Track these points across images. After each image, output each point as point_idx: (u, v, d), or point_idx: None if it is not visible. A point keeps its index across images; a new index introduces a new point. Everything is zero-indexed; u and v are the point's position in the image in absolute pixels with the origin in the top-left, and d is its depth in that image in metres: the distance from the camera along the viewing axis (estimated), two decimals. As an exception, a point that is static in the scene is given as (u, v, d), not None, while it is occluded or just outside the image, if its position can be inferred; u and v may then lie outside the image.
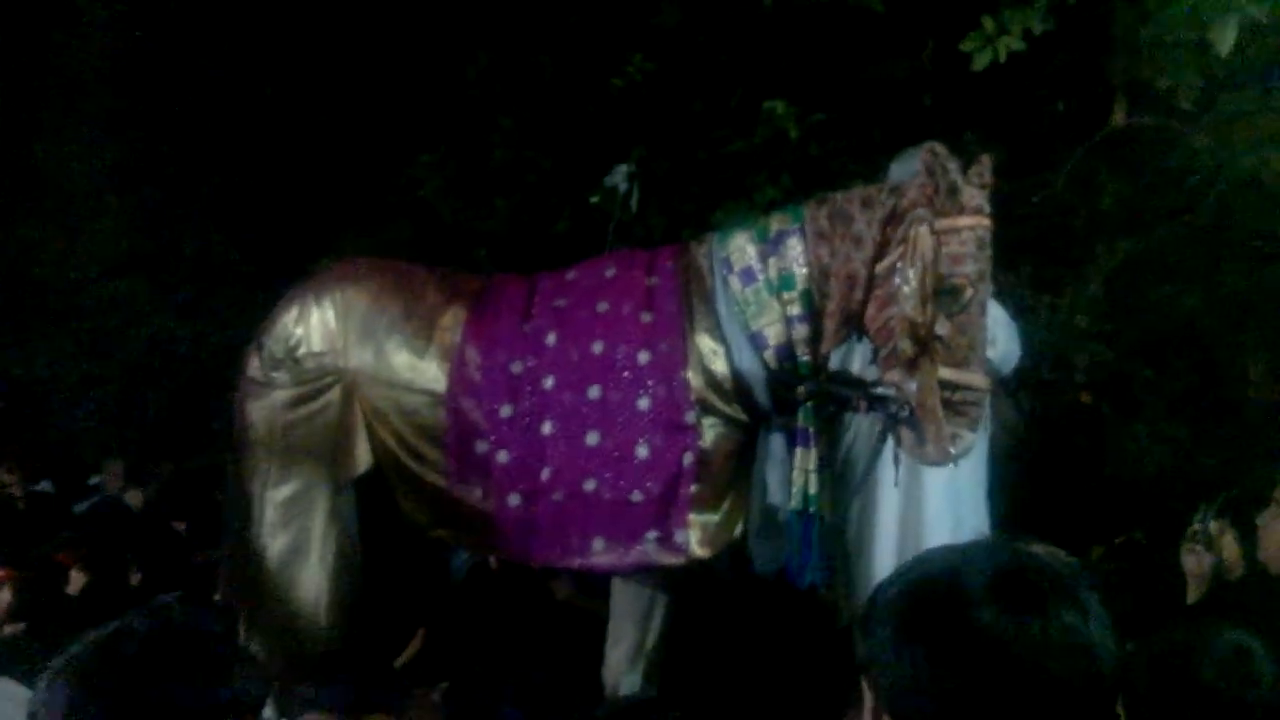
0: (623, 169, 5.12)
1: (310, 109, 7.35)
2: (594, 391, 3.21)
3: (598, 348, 3.25)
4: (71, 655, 1.56)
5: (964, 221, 2.89)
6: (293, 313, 3.38)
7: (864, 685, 1.32)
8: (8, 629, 3.72)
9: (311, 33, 7.14)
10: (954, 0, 4.53)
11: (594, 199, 5.39)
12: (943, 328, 2.85)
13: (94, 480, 6.06)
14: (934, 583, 1.26)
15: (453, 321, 3.39)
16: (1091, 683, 1.20)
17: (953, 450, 2.87)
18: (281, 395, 3.35)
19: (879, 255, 3.00)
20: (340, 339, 3.35)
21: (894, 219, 3.00)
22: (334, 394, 3.34)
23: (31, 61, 7.93)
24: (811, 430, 3.13)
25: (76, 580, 4.14)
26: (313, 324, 3.36)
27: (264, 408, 3.35)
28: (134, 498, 5.53)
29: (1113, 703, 1.24)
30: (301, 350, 3.35)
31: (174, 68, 7.75)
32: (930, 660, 1.20)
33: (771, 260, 3.16)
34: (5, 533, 4.79)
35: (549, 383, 3.26)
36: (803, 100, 5.21)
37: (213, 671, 1.65)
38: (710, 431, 3.18)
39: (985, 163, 2.97)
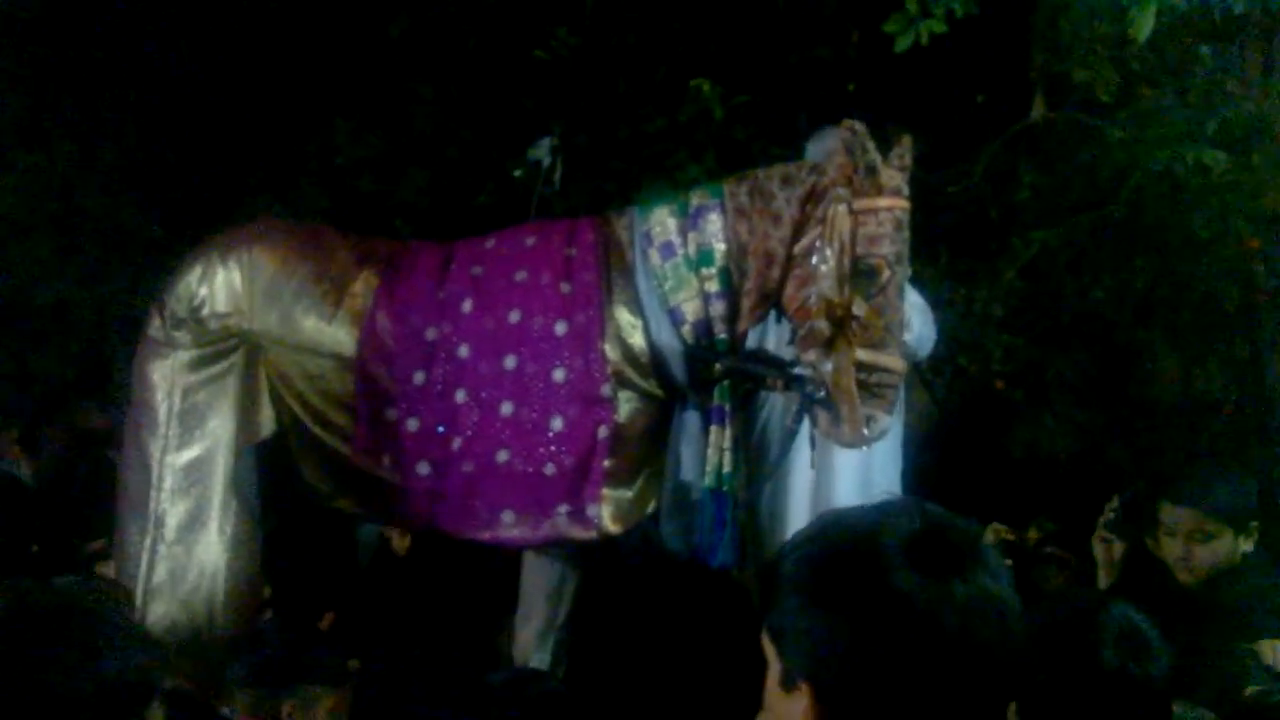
0: (546, 142, 5.06)
1: (223, 67, 7.12)
2: (510, 361, 3.16)
3: (514, 317, 3.20)
4: None
5: (882, 203, 2.89)
6: (197, 271, 3.27)
7: (771, 655, 1.29)
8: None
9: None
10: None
11: (516, 172, 5.33)
12: (859, 309, 2.86)
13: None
14: (848, 545, 1.24)
15: (365, 286, 3.30)
16: (1008, 645, 1.19)
17: (867, 433, 2.88)
18: (183, 356, 3.23)
19: (797, 234, 3.00)
20: (246, 300, 3.24)
21: (813, 197, 3.00)
22: (238, 356, 3.24)
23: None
24: (727, 408, 3.12)
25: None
26: (218, 283, 3.25)
27: (164, 368, 3.23)
28: (28, 466, 5.32)
29: (1021, 666, 1.23)
30: (205, 310, 3.23)
31: (82, 20, 7.45)
32: (851, 626, 1.18)
33: (691, 235, 3.14)
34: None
35: (464, 351, 3.20)
36: (728, 81, 5.21)
37: (91, 649, 1.60)
38: (626, 406, 3.15)
39: (905, 144, 2.98)
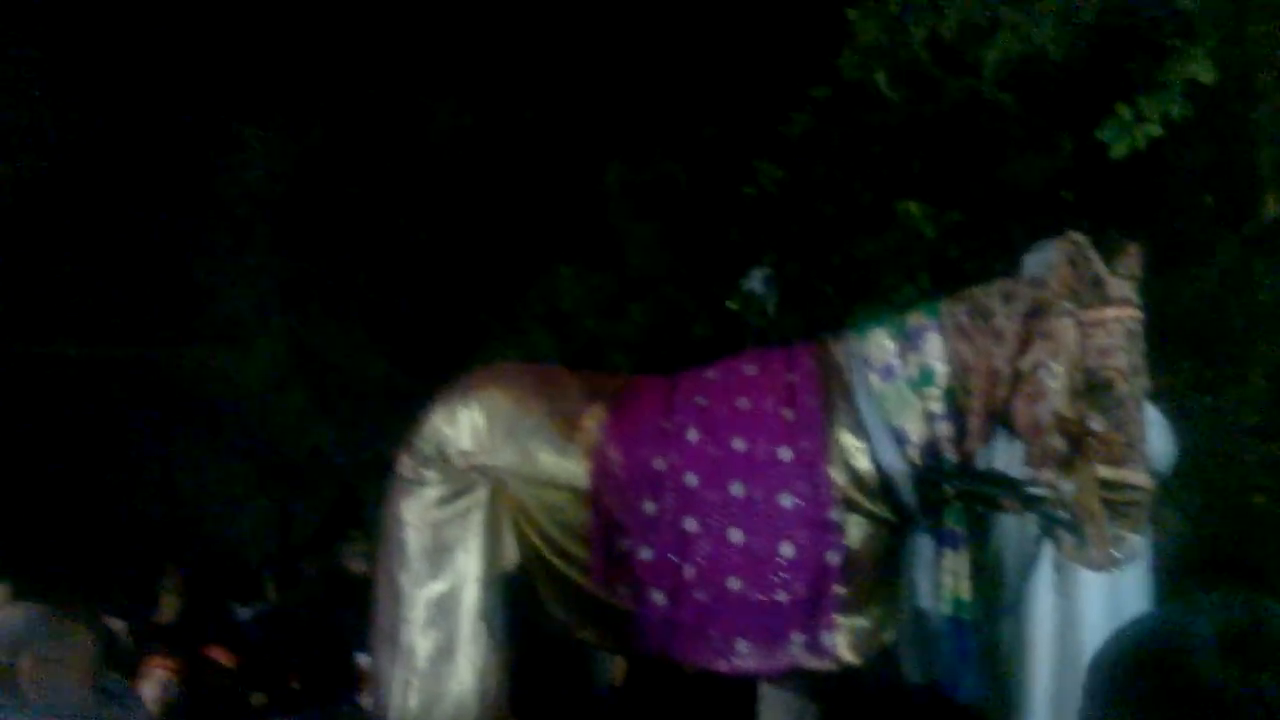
0: (759, 273, 5.16)
1: (453, 228, 7.69)
2: (736, 488, 3.20)
3: (739, 444, 3.25)
4: None
5: (1111, 313, 2.82)
6: (442, 413, 3.49)
7: None
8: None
9: (450, 152, 7.53)
10: (1087, 93, 4.49)
11: (731, 304, 5.45)
12: (1097, 424, 2.77)
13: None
14: (1159, 639, 1.21)
15: (594, 420, 3.44)
16: None
17: (1116, 554, 2.76)
18: (431, 493, 3.43)
19: (1022, 350, 2.95)
20: (487, 437, 3.43)
21: (1036, 312, 2.96)
22: (481, 492, 3.41)
23: (197, 189, 8.55)
24: (961, 531, 3.05)
25: (231, 678, 4.28)
26: (461, 424, 3.45)
27: (414, 505, 3.43)
28: (289, 600, 5.70)
29: None
30: (450, 449, 3.44)
31: (329, 192, 8.24)
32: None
33: (911, 356, 3.14)
34: (166, 635, 4.99)
35: (691, 479, 3.27)
36: (937, 200, 5.22)
37: None
38: (856, 530, 3.13)
39: (1132, 253, 2.91)
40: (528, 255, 7.02)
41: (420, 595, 3.36)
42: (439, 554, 3.38)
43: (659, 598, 3.23)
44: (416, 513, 3.43)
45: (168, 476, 8.52)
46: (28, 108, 8.89)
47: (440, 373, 4.20)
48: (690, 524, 3.24)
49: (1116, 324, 2.81)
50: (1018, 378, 2.95)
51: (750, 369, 3.46)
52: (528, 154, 7.34)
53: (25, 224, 8.75)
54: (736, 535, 3.18)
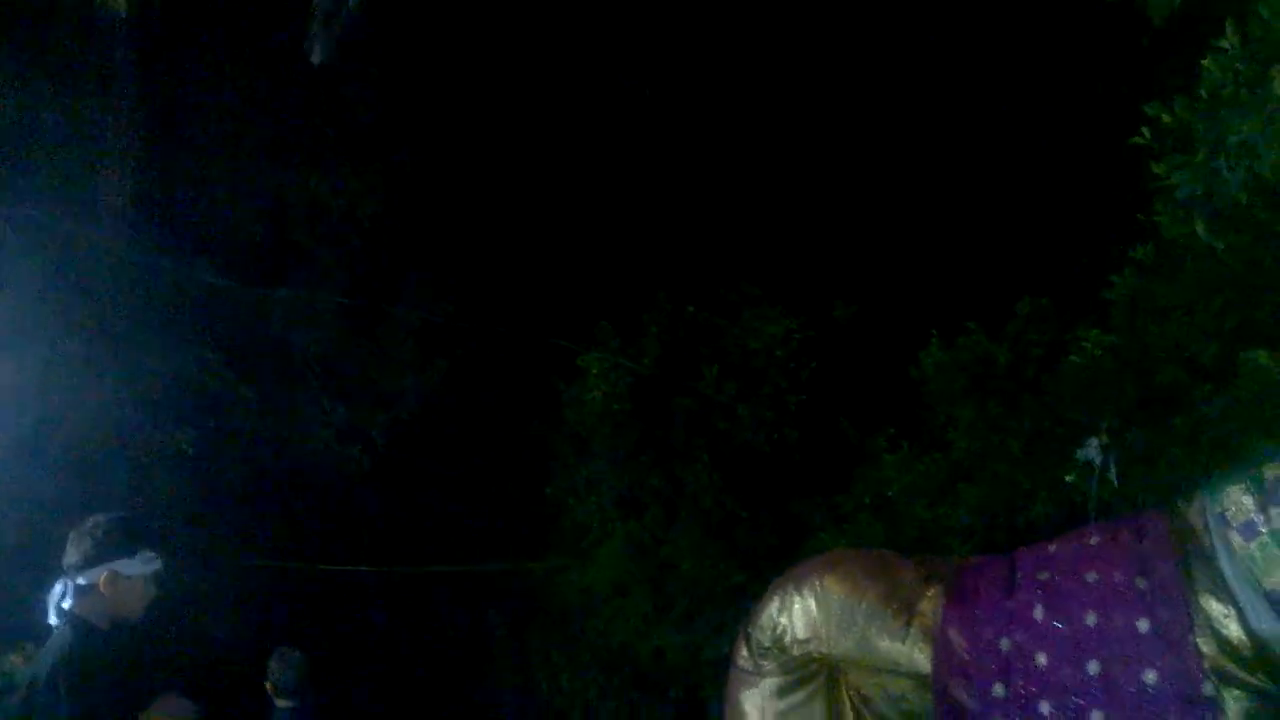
0: (1094, 441, 4.95)
1: (776, 426, 7.93)
2: (1093, 666, 3.02)
3: (1091, 619, 3.08)
4: None
5: None
6: (776, 602, 3.55)
7: None
8: None
9: (769, 355, 7.86)
10: None
11: (1068, 477, 5.22)
12: None
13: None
14: None
15: (932, 604, 3.37)
16: None
17: None
18: (770, 683, 3.46)
19: None
20: (823, 625, 3.44)
21: None
22: (820, 681, 3.41)
23: (547, 413, 9.39)
24: (1357, 699, 2.71)
25: None
26: (795, 612, 3.49)
27: (754, 696, 3.47)
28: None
29: None
30: (787, 638, 3.47)
31: (658, 406, 8.77)
32: None
33: (1274, 510, 2.90)
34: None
35: (1042, 659, 3.11)
36: (1287, 347, 4.83)
37: None
38: (1234, 705, 2.84)
39: None
40: (851, 447, 7.09)
41: (770, 785, 3.36)
42: (783, 744, 3.37)
43: (1017, 785, 3.05)
44: (756, 704, 3.47)
45: (528, 681, 9.05)
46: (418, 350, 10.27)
47: (774, 568, 4.29)
48: (1045, 707, 3.07)
49: None
50: (1399, 522, 2.65)
51: (1094, 540, 3.31)
52: (841, 348, 7.54)
53: (404, 468, 9.96)
54: (1098, 717, 2.98)
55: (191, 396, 9.26)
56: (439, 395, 10.20)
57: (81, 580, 3.53)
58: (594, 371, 9.00)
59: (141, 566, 3.61)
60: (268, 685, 5.39)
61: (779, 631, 3.51)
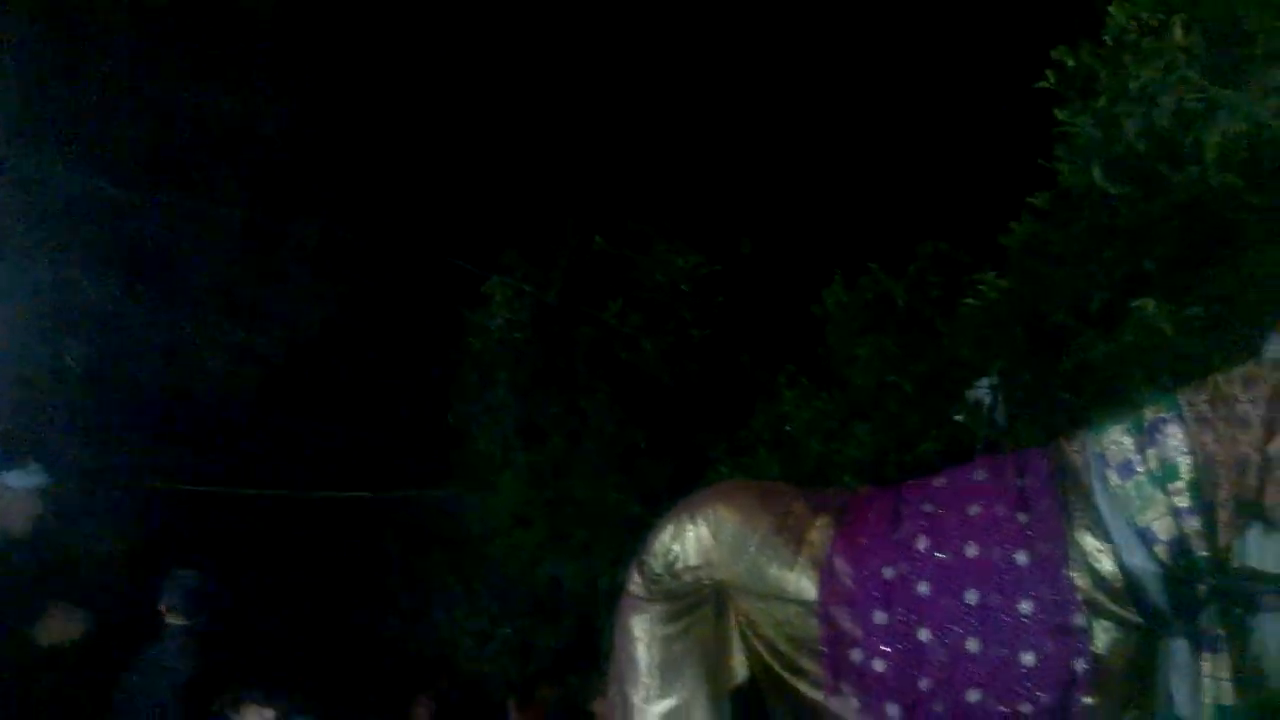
0: (984, 382, 5.08)
1: (679, 359, 7.96)
2: (971, 596, 3.12)
3: (972, 551, 3.17)
4: None
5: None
6: (670, 529, 3.59)
7: None
8: None
9: (673, 288, 7.87)
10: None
11: (958, 416, 5.35)
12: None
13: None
14: None
15: (820, 534, 3.44)
16: None
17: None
18: (659, 609, 3.50)
19: (1270, 435, 2.79)
20: (715, 552, 3.49)
21: (1281, 394, 2.79)
22: (709, 607, 3.46)
23: (448, 339, 9.30)
24: (1220, 633, 2.85)
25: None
26: (689, 539, 3.53)
27: (644, 622, 3.51)
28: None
29: None
30: (679, 564, 3.51)
31: (562, 335, 8.74)
32: None
33: (1150, 451, 3.01)
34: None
35: (923, 588, 3.20)
36: (1175, 295, 4.98)
37: None
38: (1103, 636, 2.97)
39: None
40: (752, 382, 7.17)
41: (651, 710, 3.42)
42: (669, 669, 3.43)
43: (894, 711, 3.15)
44: (646, 629, 3.51)
45: (422, 606, 9.06)
46: (304, 276, 10.00)
47: (670, 500, 4.31)
48: (924, 634, 3.17)
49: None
50: (1267, 465, 2.78)
51: (979, 475, 3.40)
52: (746, 283, 7.58)
53: (302, 388, 9.76)
54: (974, 644, 3.09)
55: (79, 311, 8.92)
56: (338, 316, 9.97)
57: None
58: (498, 298, 8.92)
59: (26, 479, 3.50)
60: (160, 605, 5.31)
61: (671, 558, 3.55)
